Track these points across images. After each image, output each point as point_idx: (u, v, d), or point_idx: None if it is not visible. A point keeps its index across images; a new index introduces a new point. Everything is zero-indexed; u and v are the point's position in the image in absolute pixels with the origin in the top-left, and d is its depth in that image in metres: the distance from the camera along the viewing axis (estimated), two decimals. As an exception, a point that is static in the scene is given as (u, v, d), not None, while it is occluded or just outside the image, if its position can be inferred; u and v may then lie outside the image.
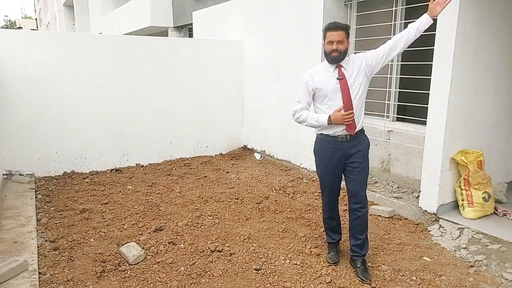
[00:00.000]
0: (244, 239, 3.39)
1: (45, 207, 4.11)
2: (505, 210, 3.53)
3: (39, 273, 2.76)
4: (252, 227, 3.67)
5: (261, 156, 6.22)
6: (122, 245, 3.15)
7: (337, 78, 2.69)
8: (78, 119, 5.25)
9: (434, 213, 3.61)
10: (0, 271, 2.55)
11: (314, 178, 5.04)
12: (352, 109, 2.68)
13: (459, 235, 3.32)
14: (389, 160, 4.57)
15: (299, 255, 3.12)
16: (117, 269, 2.89)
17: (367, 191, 2.89)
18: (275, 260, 3.04)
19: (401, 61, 4.38)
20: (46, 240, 3.30)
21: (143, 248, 3.18)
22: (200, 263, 2.99)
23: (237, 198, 4.41)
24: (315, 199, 4.38)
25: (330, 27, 2.66)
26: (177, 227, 3.63)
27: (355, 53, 4.81)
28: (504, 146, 4.01)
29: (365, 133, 2.90)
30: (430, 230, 3.52)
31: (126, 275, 2.81)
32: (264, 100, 6.07)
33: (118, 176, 5.26)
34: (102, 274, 2.81)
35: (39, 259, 2.95)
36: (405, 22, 4.26)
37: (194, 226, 3.66)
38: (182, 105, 6.02)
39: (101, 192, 4.61)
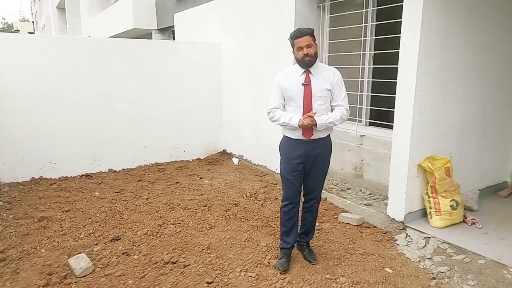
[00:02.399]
0: (203, 249, 3.26)
1: (4, 214, 3.97)
2: (474, 219, 3.42)
3: (-23, 287, 2.62)
4: (215, 236, 3.53)
5: (239, 161, 6.10)
6: (72, 256, 3.01)
7: (302, 84, 2.75)
8: (46, 123, 5.10)
9: (401, 221, 3.50)
10: None
11: (288, 184, 4.91)
12: (312, 115, 2.71)
13: (425, 245, 3.20)
14: (362, 165, 4.46)
15: (256, 267, 2.99)
16: (62, 282, 2.75)
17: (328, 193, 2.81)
18: (230, 272, 2.90)
19: (373, 64, 4.28)
20: (-6, 251, 3.16)
21: (94, 259, 3.04)
22: (151, 275, 2.85)
23: (205, 205, 4.28)
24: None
25: (296, 35, 2.71)
26: (136, 237, 3.49)
27: (329, 55, 4.77)
28: (476, 151, 3.90)
29: (330, 138, 2.96)
30: (397, 239, 3.40)
31: (70, 289, 2.68)
32: (240, 103, 5.95)
33: (87, 182, 5.11)
34: (45, 287, 2.67)
35: (-18, 272, 2.81)
36: (376, 24, 4.16)
37: (154, 236, 3.52)
38: (157, 108, 5.89)
39: (65, 199, 4.47)
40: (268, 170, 5.47)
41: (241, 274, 2.89)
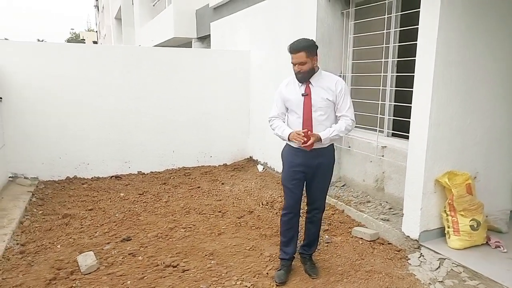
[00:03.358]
0: (206, 255, 3.28)
1: (34, 210, 4.28)
2: (498, 242, 3.11)
3: (-6, 276, 2.84)
4: (221, 242, 3.54)
5: (263, 168, 6.08)
6: (81, 254, 3.17)
7: (302, 95, 2.75)
8: (80, 126, 5.44)
9: (416, 240, 3.27)
10: (-51, 272, 2.65)
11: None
12: (311, 126, 2.72)
13: (439, 266, 2.97)
14: (383, 178, 4.25)
15: (254, 277, 2.95)
16: (68, 277, 2.90)
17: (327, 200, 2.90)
18: (226, 280, 2.89)
19: (396, 72, 4.08)
20: (17, 243, 3.41)
21: (101, 257, 3.18)
22: (150, 278, 2.92)
23: (219, 211, 4.31)
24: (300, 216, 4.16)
25: (289, 50, 2.71)
26: (146, 238, 3.60)
27: (352, 63, 4.62)
28: (507, 168, 3.56)
29: (333, 147, 2.94)
30: (409, 259, 3.19)
31: (73, 284, 2.81)
32: (265, 111, 5.92)
33: (116, 183, 5.37)
34: (51, 282, 2.82)
35: (1, 262, 3.04)
36: (400, 30, 3.97)
37: (163, 238, 3.61)
38: (186, 114, 6.06)
39: (91, 198, 4.73)
40: (290, 179, 5.38)
41: (237, 283, 2.86)
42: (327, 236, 3.64)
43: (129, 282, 2.85)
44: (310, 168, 2.81)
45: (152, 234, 3.68)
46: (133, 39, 21.06)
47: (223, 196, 4.85)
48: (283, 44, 5.24)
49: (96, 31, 54.36)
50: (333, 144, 2.90)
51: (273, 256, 3.27)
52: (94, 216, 4.15)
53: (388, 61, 4.06)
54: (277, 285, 2.82)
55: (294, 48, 2.68)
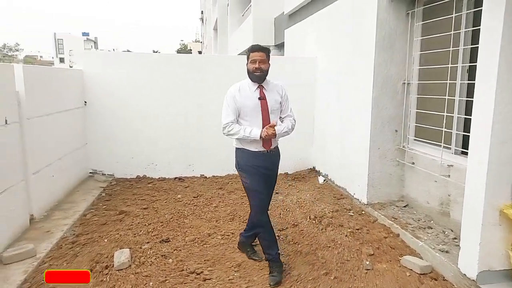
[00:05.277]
0: (233, 265, 3.21)
1: (100, 204, 4.72)
2: None
3: (43, 262, 3.18)
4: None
5: (324, 180, 5.78)
6: (119, 250, 3.37)
7: (259, 98, 2.92)
8: (151, 130, 5.87)
9: (473, 280, 2.72)
10: (6, 254, 3.05)
11: (363, 212, 4.42)
12: (274, 125, 2.89)
13: (496, 318, 2.41)
14: (448, 202, 3.67)
15: (272, 296, 2.78)
16: (101, 271, 3.09)
17: None
18: (242, 296, 2.77)
19: (468, 80, 3.49)
20: (72, 234, 3.79)
21: (136, 256, 3.34)
22: (171, 282, 2.95)
23: (263, 222, 4.20)
24: (346, 236, 3.83)
25: (253, 49, 2.91)
26: (183, 242, 3.68)
27: (419, 69, 4.12)
28: None
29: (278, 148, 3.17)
30: (462, 302, 2.67)
31: (103, 279, 2.99)
32: (328, 120, 5.66)
33: (177, 185, 5.64)
34: (86, 273, 3.05)
35: (53, 250, 3.40)
36: (472, 30, 3.40)
37: (198, 243, 3.65)
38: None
39: (151, 197, 5.04)
40: (347, 194, 5.01)
41: (252, 300, 2.72)
42: (368, 262, 3.27)
43: (151, 283, 2.93)
44: (269, 170, 3.08)
45: (189, 238, 3.75)
46: (226, 48, 22.24)
47: (273, 206, 4.72)
48: (343, 49, 4.97)
49: (201, 42, 58.89)
50: (277, 145, 3.17)
51: (301, 276, 3.05)
52: (146, 215, 4.40)
53: (457, 66, 3.50)
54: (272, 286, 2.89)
55: (258, 47, 2.89)
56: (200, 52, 49.17)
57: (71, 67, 5.57)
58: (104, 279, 2.99)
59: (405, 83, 4.19)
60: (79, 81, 5.46)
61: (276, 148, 3.12)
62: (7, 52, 56.06)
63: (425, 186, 3.99)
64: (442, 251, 3.23)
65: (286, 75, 6.05)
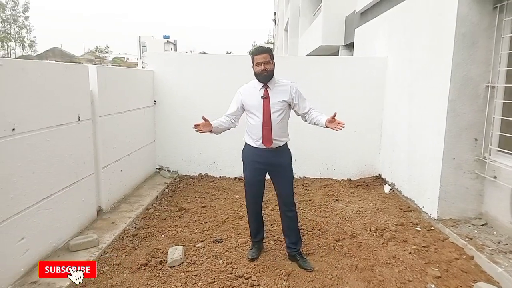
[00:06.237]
0: (282, 274, 3.10)
1: (163, 200, 4.92)
2: None
3: (104, 252, 3.38)
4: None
5: (390, 189, 5.38)
6: (173, 247, 3.46)
7: (261, 97, 3.08)
8: (213, 130, 5.98)
9: None
10: (73, 242, 3.29)
11: (432, 228, 4.01)
12: (270, 125, 3.08)
13: None
14: (537, 224, 3.15)
15: (321, 312, 2.62)
16: (155, 266, 3.20)
17: None
18: (289, 308, 2.65)
19: None
20: (134, 227, 3.99)
21: (189, 254, 3.40)
22: (219, 284, 2.94)
23: (319, 229, 4.03)
24: (410, 253, 3.49)
25: (256, 52, 3.07)
26: (235, 243, 3.66)
27: (506, 70, 3.61)
28: None
29: (287, 146, 3.29)
30: None
31: (156, 274, 3.08)
32: (397, 124, 5.25)
33: (236, 185, 5.68)
34: (141, 267, 3.17)
35: (115, 241, 3.61)
36: None
37: (250, 247, 3.59)
38: (307, 123, 5.90)
39: (210, 196, 5.13)
40: (415, 206, 4.59)
41: (299, 313, 2.59)
42: (433, 285, 2.94)
43: (200, 283, 2.95)
44: (272, 166, 3.19)
45: (242, 240, 3.72)
46: (297, 49, 22.11)
47: (331, 214, 4.52)
48: (417, 48, 4.56)
49: (273, 43, 59.51)
50: (286, 143, 3.26)
51: (354, 293, 2.84)
52: (203, 213, 4.48)
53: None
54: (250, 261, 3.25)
55: (261, 50, 3.07)
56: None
57: (144, 67, 5.90)
58: (157, 274, 3.08)
59: (488, 85, 3.70)
60: (150, 81, 5.77)
61: (281, 147, 3.19)
62: (98, 54, 62.19)
63: (509, 204, 3.48)
64: (526, 282, 2.78)
65: (353, 76, 5.78)
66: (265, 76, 3.05)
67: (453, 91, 3.81)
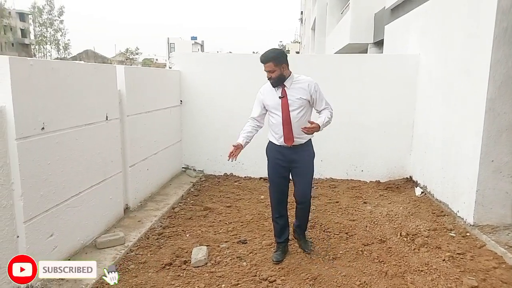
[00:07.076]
0: (308, 278, 3.01)
1: (188, 199, 4.94)
2: None
3: (130, 250, 3.41)
4: (331, 268, 3.18)
5: (422, 193, 5.16)
6: (197, 247, 3.44)
7: (279, 97, 3.14)
8: (237, 129, 5.93)
9: None
10: (100, 239, 3.34)
11: (467, 234, 3.80)
12: (289, 123, 3.12)
13: None
14: None
15: (348, 319, 2.51)
16: (180, 266, 3.19)
17: None
18: (314, 314, 2.56)
19: None
20: (160, 226, 4.01)
21: (213, 254, 3.37)
22: (243, 287, 2.89)
23: (346, 232, 3.91)
24: (443, 260, 3.31)
25: (260, 60, 3.12)
26: (259, 245, 3.60)
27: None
28: None
29: (311, 142, 3.37)
30: None
31: (180, 274, 3.07)
32: (430, 125, 5.02)
33: (261, 185, 5.63)
34: (166, 266, 3.17)
35: (141, 239, 3.63)
36: None
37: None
38: (335, 123, 5.74)
39: (235, 195, 5.10)
40: (450, 210, 4.36)
41: (325, 320, 2.50)
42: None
43: (223, 285, 2.91)
44: (293, 163, 3.24)
45: (266, 242, 3.65)
46: (324, 48, 21.81)
47: (359, 217, 4.37)
48: (452, 45, 4.35)
49: (299, 42, 59.15)
50: (310, 140, 3.34)
51: (384, 301, 2.71)
52: (228, 213, 4.45)
53: None
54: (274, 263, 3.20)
55: (263, 60, 3.09)
56: (297, 53, 49.33)
57: (171, 68, 5.95)
58: (181, 274, 3.07)
59: (531, 84, 3.46)
60: (177, 81, 5.80)
61: (303, 144, 3.25)
62: (129, 55, 63.91)
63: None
64: None
65: (384, 74, 5.58)
66: (273, 82, 3.15)
67: (492, 89, 3.59)
